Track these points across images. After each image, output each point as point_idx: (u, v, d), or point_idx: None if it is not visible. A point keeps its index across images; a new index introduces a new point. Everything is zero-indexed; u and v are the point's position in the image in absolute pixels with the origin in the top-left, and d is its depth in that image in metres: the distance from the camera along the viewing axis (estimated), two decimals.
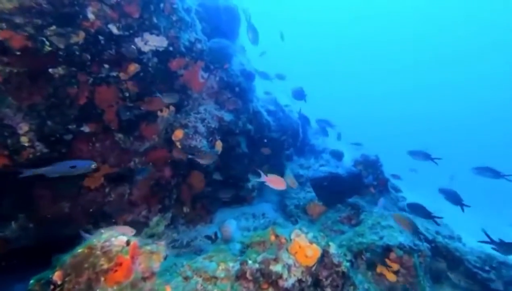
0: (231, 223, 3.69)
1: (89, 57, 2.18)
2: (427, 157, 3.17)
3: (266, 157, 4.86)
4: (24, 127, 1.78)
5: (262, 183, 5.00)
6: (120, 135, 3.21)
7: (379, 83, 30.59)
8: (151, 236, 3.26)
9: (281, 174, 5.24)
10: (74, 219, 2.87)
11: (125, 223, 3.03)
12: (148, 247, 1.09)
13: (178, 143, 3.04)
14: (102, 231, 1.06)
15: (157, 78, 3.27)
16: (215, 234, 3.56)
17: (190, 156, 3.09)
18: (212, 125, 3.38)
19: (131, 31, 2.22)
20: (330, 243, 2.28)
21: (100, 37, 2.13)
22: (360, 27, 30.64)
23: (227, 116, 3.54)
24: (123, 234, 1.06)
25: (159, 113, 3.47)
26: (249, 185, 4.59)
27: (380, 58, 30.91)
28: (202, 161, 3.15)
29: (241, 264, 1.83)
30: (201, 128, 3.19)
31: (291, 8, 30.13)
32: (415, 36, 29.16)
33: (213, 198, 4.29)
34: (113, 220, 3.00)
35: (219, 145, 3.63)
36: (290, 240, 2.14)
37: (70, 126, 2.60)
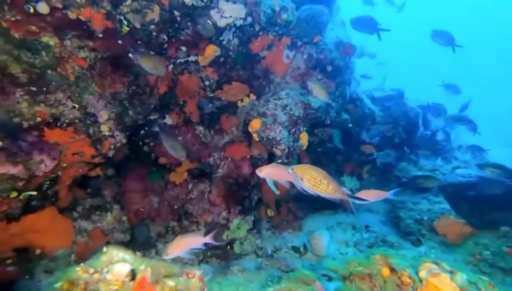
0: (324, 234, 3.05)
1: (165, 38, 2.01)
2: None
3: (368, 156, 3.96)
4: (104, 115, 1.71)
5: (362, 186, 4.12)
6: (200, 128, 3.10)
7: None
8: (233, 240, 2.99)
9: (388, 179, 4.19)
10: (160, 215, 2.90)
11: (206, 224, 2.86)
12: (171, 282, 0.65)
13: (255, 135, 2.64)
14: (104, 249, 0.69)
15: (237, 63, 2.98)
16: (304, 246, 3.00)
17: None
18: (296, 113, 2.83)
19: (205, 0, 1.93)
20: None
21: (176, 13, 1.92)
22: None
23: (315, 103, 2.92)
24: (124, 260, 0.66)
25: (239, 103, 3.19)
26: (346, 187, 3.79)
27: None
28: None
29: None
30: (282, 117, 2.69)
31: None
32: None
33: (300, 201, 3.75)
34: (195, 219, 2.88)
35: (304, 138, 3.04)
36: (420, 280, 1.36)
37: (151, 117, 2.59)
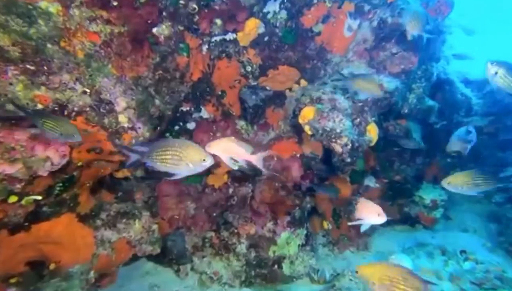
0: (404, 260, 2.32)
1: (195, 7, 1.63)
2: None
3: (456, 157, 3.05)
4: (121, 103, 1.40)
5: (450, 197, 3.20)
6: (242, 123, 2.69)
7: None
8: (281, 257, 2.50)
9: None
10: (197, 223, 2.57)
11: (248, 236, 2.42)
12: None
13: (307, 128, 2.10)
14: None
15: (286, 43, 2.49)
16: None
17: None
18: (362, 97, 2.19)
19: None
20: None
21: None
22: None
23: (390, 84, 2.23)
24: None
25: (287, 92, 2.69)
26: (427, 198, 2.97)
27: None
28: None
29: None
30: (343, 103, 2.09)
31: None
32: None
33: None
34: (235, 230, 2.46)
35: (372, 131, 2.37)
36: None
37: (183, 108, 2.26)
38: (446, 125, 2.98)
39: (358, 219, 1.66)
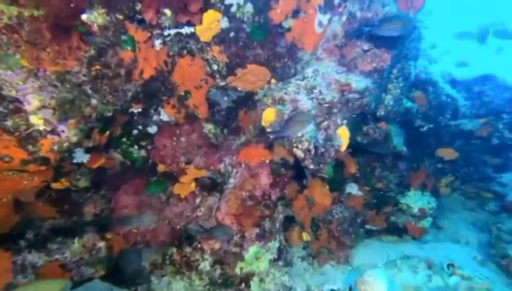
0: (378, 275, 2.03)
1: None
2: None
3: (449, 164, 2.79)
4: (34, 101, 1.13)
5: (441, 205, 2.93)
6: (209, 126, 2.43)
7: None
8: (251, 275, 2.20)
9: None
10: (157, 238, 2.28)
11: (212, 252, 2.14)
12: None
13: (269, 130, 1.85)
14: None
15: (254, 39, 2.25)
16: (350, 289, 2.06)
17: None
18: (327, 98, 1.95)
19: None
20: None
21: None
22: None
23: (359, 83, 1.99)
24: None
25: (260, 93, 2.44)
26: (414, 206, 2.70)
27: None
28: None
29: None
30: (306, 103, 1.84)
31: None
32: None
33: (349, 223, 2.77)
34: (199, 245, 2.18)
35: (344, 134, 2.12)
36: None
37: (134, 110, 2.00)
38: (433, 128, 2.73)
39: None
